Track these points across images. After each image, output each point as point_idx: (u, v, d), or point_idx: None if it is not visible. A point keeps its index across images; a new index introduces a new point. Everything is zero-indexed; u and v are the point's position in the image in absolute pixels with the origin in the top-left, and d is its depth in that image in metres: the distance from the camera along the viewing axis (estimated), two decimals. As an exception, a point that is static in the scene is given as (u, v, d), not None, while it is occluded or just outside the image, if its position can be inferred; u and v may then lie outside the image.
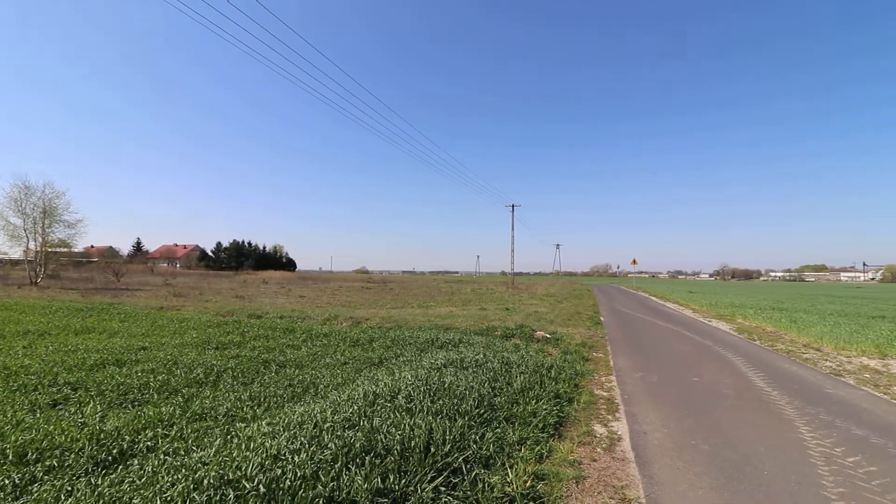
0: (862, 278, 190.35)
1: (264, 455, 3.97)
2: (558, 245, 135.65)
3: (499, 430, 5.32)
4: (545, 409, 6.15)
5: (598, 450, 5.33)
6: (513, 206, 55.33)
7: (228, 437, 4.82)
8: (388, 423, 4.83)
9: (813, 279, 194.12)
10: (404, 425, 4.71)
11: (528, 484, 4.19)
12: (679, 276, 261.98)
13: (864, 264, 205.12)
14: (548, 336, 13.45)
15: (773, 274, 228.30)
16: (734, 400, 7.43)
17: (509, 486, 4.09)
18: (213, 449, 4.33)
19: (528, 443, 5.19)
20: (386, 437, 4.41)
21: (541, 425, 5.69)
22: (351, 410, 5.23)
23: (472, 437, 4.88)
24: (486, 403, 6.03)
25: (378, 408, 5.45)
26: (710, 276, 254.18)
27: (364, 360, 9.50)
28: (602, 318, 20.28)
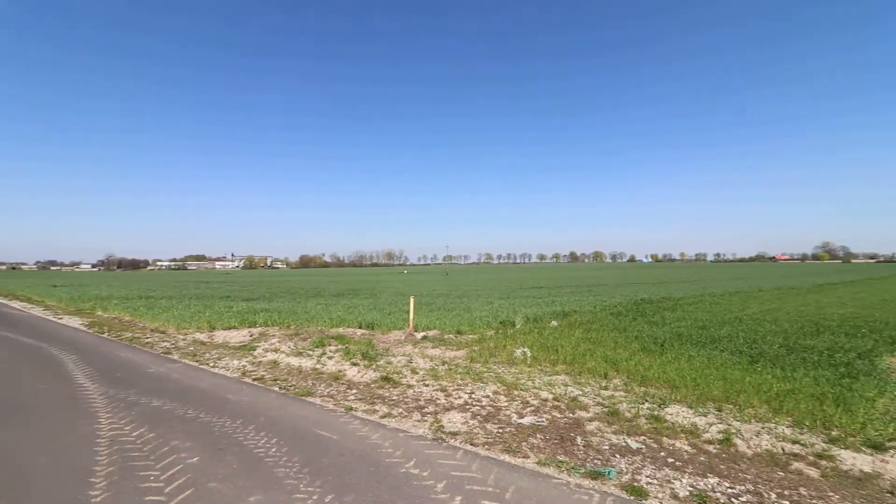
0: (231, 266, 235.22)
1: None
2: None
3: None
4: None
5: None
6: None
7: None
8: None
9: (195, 267, 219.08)
10: None
11: None
12: (52, 268, 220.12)
13: (233, 254, 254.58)
14: None
15: (159, 263, 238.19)
16: (40, 409, 6.48)
17: None
18: None
19: None
20: None
21: None
22: None
23: None
24: None
25: None
26: (94, 266, 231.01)
27: None
28: None
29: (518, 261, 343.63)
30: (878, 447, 4.80)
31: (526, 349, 9.62)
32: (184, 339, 12.37)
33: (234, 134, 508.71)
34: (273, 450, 4.99)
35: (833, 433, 5.21)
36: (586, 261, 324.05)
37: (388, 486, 4.13)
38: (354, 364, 9.00)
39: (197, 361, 9.68)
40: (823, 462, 4.57)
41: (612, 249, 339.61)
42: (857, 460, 4.55)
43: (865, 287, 33.19)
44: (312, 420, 6.00)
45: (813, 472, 4.37)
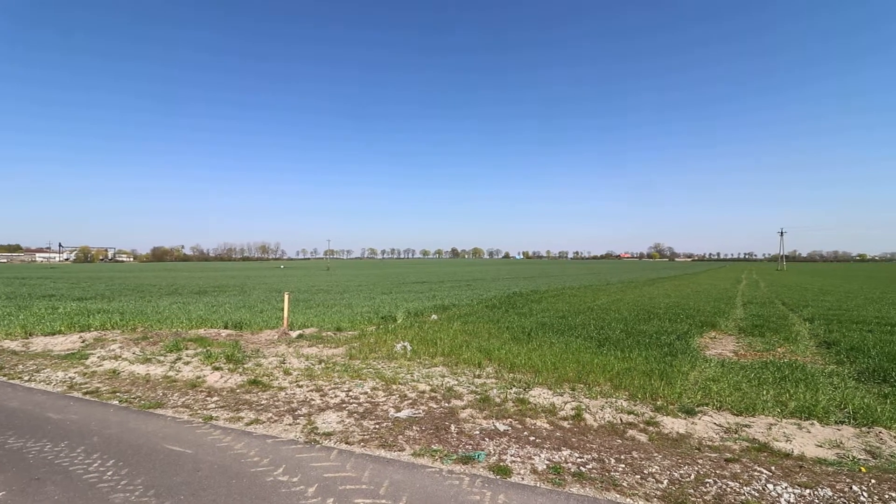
0: (58, 259, 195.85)
1: None
2: None
3: None
4: None
5: None
6: None
7: None
8: None
9: (6, 259, 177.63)
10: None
11: None
12: None
13: (60, 245, 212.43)
14: None
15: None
16: None
17: None
18: None
19: None
20: None
21: None
22: None
23: None
24: None
25: None
26: None
27: None
28: None
29: (402, 256, 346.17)
30: (689, 412, 5.84)
31: (406, 343, 9.70)
32: (-16, 349, 9.92)
33: (65, 103, 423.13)
34: (109, 473, 4.26)
35: (658, 403, 6.20)
36: (466, 257, 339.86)
37: (252, 498, 3.81)
38: (217, 368, 8.13)
39: (5, 375, 7.84)
40: (651, 428, 5.41)
41: (490, 246, 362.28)
42: (675, 424, 5.48)
43: (684, 281, 40.40)
44: (162, 435, 5.26)
45: (643, 438, 5.15)
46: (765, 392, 6.53)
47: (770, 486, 3.99)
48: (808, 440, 5.02)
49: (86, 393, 6.92)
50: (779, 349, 10.20)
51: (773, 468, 4.36)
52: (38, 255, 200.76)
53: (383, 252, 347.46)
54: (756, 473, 4.25)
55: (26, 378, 7.72)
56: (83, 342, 10.44)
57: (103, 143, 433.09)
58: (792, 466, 4.41)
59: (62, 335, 11.17)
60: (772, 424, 5.47)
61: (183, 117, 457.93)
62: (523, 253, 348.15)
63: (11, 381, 7.58)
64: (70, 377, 7.76)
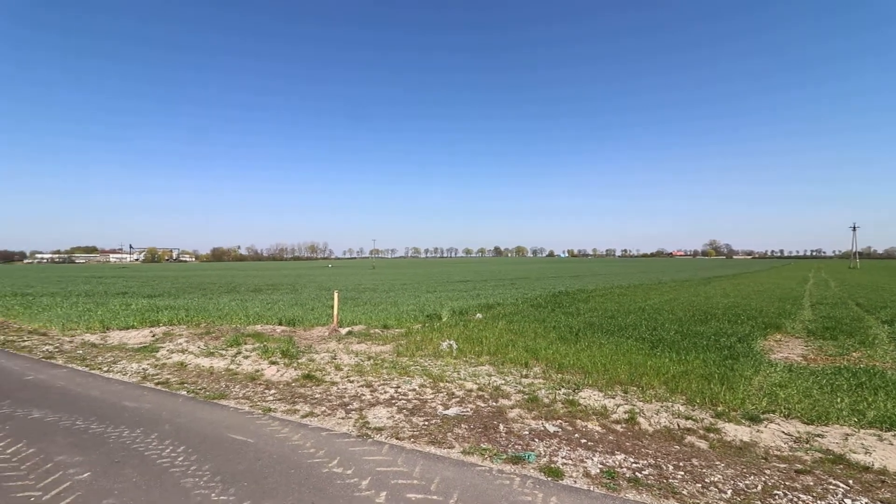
0: (128, 259, 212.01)
1: None
2: None
3: None
4: None
5: None
6: None
7: None
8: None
9: (84, 260, 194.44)
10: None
11: None
12: None
13: (131, 246, 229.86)
14: None
15: (40, 256, 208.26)
16: None
17: None
18: None
19: None
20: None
21: None
22: None
23: None
24: None
25: None
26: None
27: None
28: None
29: (445, 255, 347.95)
30: (754, 419, 5.50)
31: (452, 342, 9.75)
32: (70, 342, 10.93)
33: (129, 115, 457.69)
34: (180, 459, 4.58)
35: (719, 408, 5.89)
36: (510, 255, 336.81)
37: (309, 488, 3.97)
38: (273, 363, 8.53)
39: (87, 366, 8.60)
40: (711, 435, 5.14)
41: (533, 245, 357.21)
42: (738, 432, 5.19)
43: (744, 280, 38.06)
44: (226, 424, 5.59)
45: (703, 444, 4.91)
46: (839, 400, 6.05)
47: (848, 502, 3.70)
48: (890, 453, 4.60)
49: (157, 383, 7.46)
50: (854, 354, 9.41)
51: (850, 482, 4.03)
52: (111, 255, 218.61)
53: (426, 251, 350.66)
54: (831, 487, 3.94)
55: (105, 369, 8.42)
56: (153, 336, 11.26)
57: (170, 146, 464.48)
58: (872, 481, 4.06)
59: (135, 329, 12.10)
60: (848, 435, 5.07)
61: (237, 122, 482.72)
62: (568, 251, 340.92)
63: (92, 371, 8.30)
64: (143, 368, 8.40)
